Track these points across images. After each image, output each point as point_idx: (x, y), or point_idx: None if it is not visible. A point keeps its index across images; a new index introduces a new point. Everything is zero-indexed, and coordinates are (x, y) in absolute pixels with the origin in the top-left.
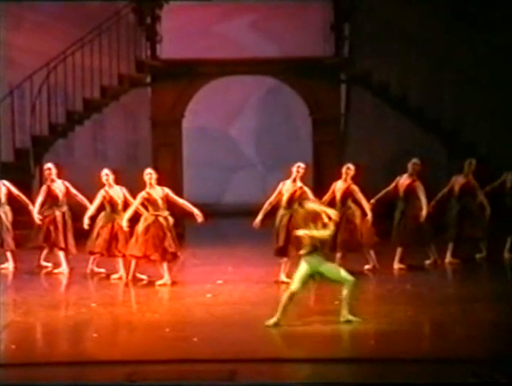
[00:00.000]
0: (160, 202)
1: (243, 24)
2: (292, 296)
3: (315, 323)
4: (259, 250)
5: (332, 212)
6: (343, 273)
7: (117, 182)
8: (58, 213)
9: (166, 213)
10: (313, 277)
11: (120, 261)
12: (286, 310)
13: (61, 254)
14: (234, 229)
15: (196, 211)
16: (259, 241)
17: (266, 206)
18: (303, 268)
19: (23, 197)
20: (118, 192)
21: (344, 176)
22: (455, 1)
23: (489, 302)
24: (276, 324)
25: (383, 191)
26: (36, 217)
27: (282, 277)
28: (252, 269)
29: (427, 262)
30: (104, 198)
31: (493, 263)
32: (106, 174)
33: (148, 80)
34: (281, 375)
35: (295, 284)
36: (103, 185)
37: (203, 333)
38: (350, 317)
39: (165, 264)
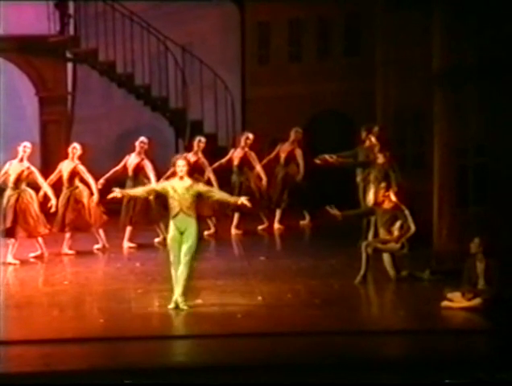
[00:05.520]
0: None
1: None
2: None
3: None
4: None
5: None
6: None
7: None
8: None
9: None
10: None
11: None
12: None
13: None
14: None
15: None
16: None
17: None
18: None
19: None
20: None
21: (70, 155)
22: None
23: (216, 279)
24: None
25: (112, 171)
26: None
27: (10, 259)
28: None
29: (157, 240)
30: None
31: (221, 240)
32: None
33: None
34: None
35: None
36: None
37: None
38: None
39: None
